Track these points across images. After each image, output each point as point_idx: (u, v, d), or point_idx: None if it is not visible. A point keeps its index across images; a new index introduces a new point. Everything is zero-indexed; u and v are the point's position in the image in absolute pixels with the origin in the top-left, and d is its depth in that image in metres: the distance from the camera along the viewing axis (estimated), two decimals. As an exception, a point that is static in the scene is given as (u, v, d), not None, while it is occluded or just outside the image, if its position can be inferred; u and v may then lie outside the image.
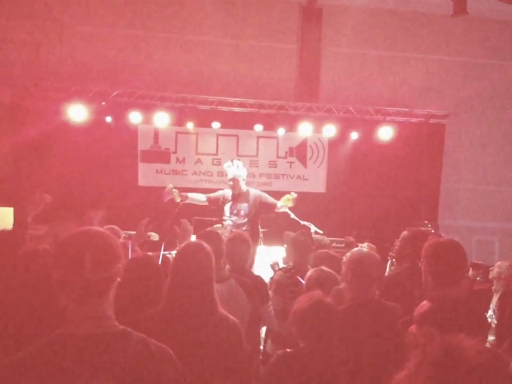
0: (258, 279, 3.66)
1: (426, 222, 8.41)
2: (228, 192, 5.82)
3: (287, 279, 3.82)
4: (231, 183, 5.68)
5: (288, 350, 2.39)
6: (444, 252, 2.35)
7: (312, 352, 2.32)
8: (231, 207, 5.72)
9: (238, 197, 5.70)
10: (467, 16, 6.92)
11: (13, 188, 8.13)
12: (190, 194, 5.83)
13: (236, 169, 5.75)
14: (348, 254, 2.88)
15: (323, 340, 2.35)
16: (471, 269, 4.85)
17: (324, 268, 3.20)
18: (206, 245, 2.42)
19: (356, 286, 2.72)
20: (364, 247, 5.53)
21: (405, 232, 3.73)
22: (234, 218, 5.71)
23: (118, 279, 1.53)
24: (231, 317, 2.31)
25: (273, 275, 4.14)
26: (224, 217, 5.75)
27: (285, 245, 4.66)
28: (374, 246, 5.70)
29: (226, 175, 5.92)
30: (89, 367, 1.38)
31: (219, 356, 2.17)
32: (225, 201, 5.76)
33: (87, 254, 1.43)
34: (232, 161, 5.97)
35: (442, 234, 8.11)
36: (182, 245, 2.41)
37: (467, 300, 2.37)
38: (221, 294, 2.78)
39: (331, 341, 2.36)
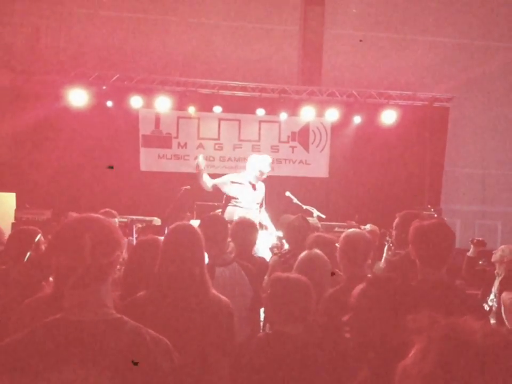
0: (263, 262, 3.67)
1: (429, 206, 8.38)
2: (243, 179, 5.67)
3: (281, 264, 3.81)
4: (262, 177, 5.69)
5: (268, 331, 2.38)
6: (428, 234, 2.32)
7: (288, 334, 2.27)
8: (248, 195, 5.63)
9: (255, 186, 5.72)
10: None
11: (14, 173, 8.12)
12: (204, 176, 5.61)
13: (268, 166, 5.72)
14: (342, 235, 2.94)
15: (297, 321, 2.31)
16: (472, 246, 4.81)
17: (316, 250, 3.19)
18: (195, 226, 2.43)
19: (348, 265, 2.75)
20: (367, 228, 5.51)
21: (397, 219, 3.68)
22: (253, 205, 5.64)
23: (118, 267, 1.53)
24: (223, 298, 2.29)
25: (269, 260, 4.14)
26: (243, 203, 5.56)
27: (281, 229, 4.65)
28: (376, 227, 5.69)
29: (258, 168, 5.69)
30: (81, 354, 1.38)
31: (211, 337, 2.16)
32: (241, 185, 5.62)
33: (87, 239, 1.42)
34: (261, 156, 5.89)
35: (445, 219, 8.10)
36: (172, 226, 2.39)
37: (453, 282, 2.35)
38: (223, 277, 2.77)
39: (308, 323, 2.34)
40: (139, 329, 1.49)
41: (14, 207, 7.64)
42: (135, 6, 9.07)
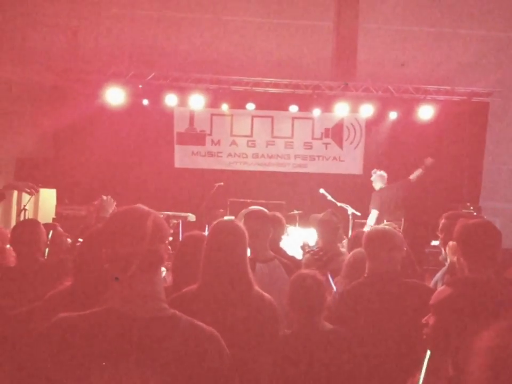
0: (294, 260, 3.65)
1: (468, 204, 8.15)
2: None
3: (315, 262, 3.79)
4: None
5: (286, 331, 2.39)
6: (475, 233, 2.26)
7: (304, 333, 2.30)
8: None
9: None
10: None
11: (55, 170, 8.39)
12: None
13: None
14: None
15: (312, 320, 2.33)
16: None
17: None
18: (238, 222, 2.43)
19: (369, 261, 2.70)
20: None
21: (443, 220, 3.56)
22: None
23: (166, 256, 1.52)
24: (266, 295, 2.29)
25: (302, 258, 4.13)
26: None
27: (313, 226, 4.63)
28: (395, 225, 5.55)
29: None
30: (135, 352, 1.37)
31: (254, 334, 2.16)
32: None
33: (149, 224, 1.43)
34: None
35: (485, 217, 7.85)
36: (215, 223, 2.40)
37: (498, 285, 2.24)
38: (263, 274, 2.78)
39: (320, 322, 2.34)
40: (193, 326, 1.47)
41: (55, 202, 7.88)
42: (171, 4, 9.19)
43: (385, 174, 7.45)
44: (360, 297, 2.57)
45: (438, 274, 3.63)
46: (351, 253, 3.05)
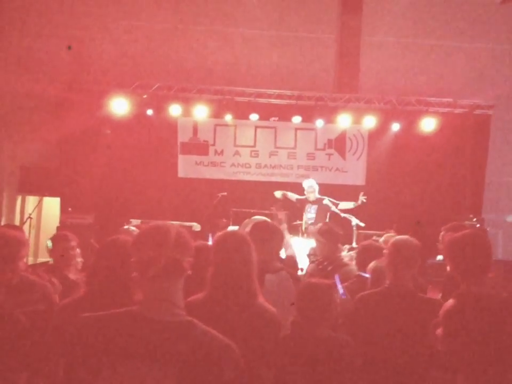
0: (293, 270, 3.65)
1: (471, 216, 8.15)
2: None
3: (319, 272, 3.77)
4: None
5: (287, 332, 2.42)
6: (462, 246, 2.27)
7: (300, 338, 2.34)
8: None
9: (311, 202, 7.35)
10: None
11: (59, 179, 8.42)
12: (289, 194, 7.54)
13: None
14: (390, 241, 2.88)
15: (315, 326, 2.36)
16: None
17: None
18: (245, 234, 2.44)
19: (389, 272, 2.69)
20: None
21: (442, 232, 3.57)
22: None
23: (189, 272, 1.60)
24: (269, 308, 2.28)
25: (306, 267, 4.11)
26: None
27: (313, 238, 4.61)
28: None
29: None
30: (149, 352, 1.44)
31: (256, 346, 2.16)
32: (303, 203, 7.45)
33: (172, 234, 1.55)
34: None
35: (488, 229, 7.85)
36: (222, 233, 2.40)
37: (497, 296, 2.25)
38: (271, 284, 2.78)
39: (322, 329, 2.37)
40: (208, 334, 1.52)
41: (59, 211, 7.91)
42: (175, 16, 9.29)
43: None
44: (376, 306, 2.58)
45: None
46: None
